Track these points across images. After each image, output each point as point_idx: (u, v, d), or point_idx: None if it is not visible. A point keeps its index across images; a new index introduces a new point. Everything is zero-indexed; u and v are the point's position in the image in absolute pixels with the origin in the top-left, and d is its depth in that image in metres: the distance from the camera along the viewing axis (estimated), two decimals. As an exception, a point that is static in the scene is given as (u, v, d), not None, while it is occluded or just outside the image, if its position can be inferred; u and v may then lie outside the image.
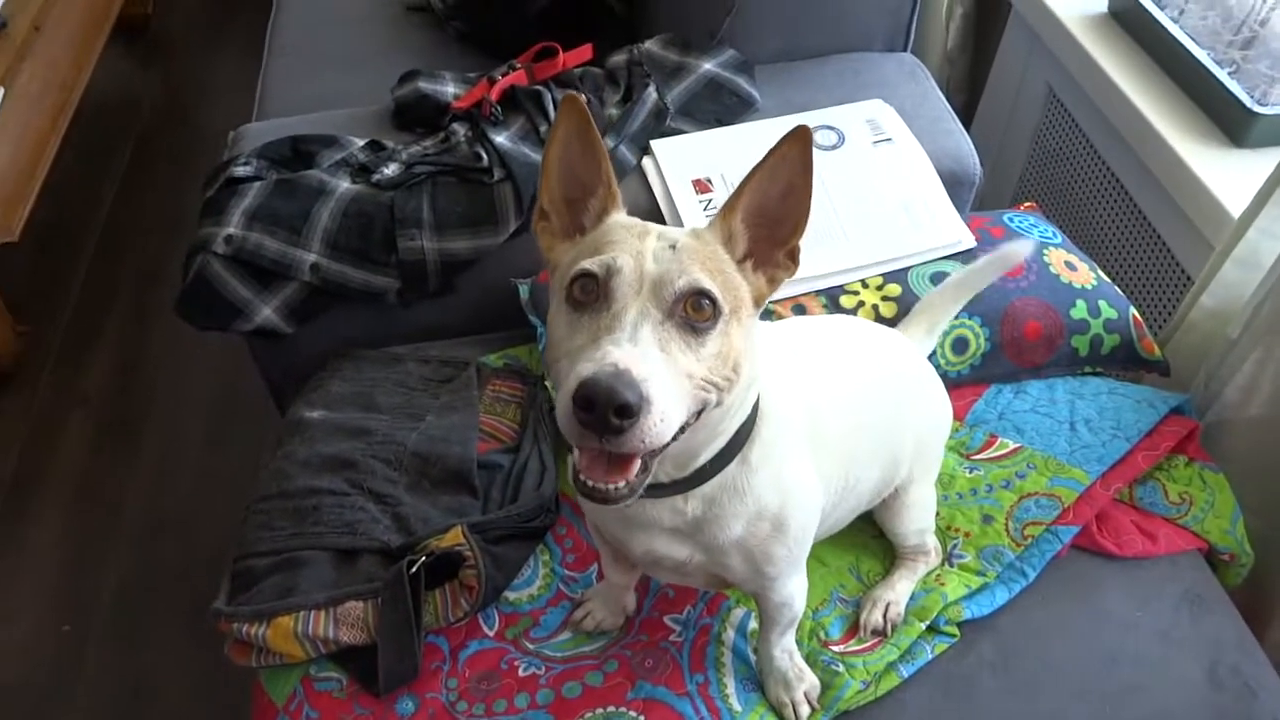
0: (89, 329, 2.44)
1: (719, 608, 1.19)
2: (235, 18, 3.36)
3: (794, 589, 1.05)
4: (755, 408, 0.91)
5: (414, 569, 1.15)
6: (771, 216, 0.84)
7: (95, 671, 1.81)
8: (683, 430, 0.78)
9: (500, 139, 1.53)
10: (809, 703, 1.12)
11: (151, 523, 2.04)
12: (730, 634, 1.17)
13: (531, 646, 1.18)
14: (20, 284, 2.45)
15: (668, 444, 0.75)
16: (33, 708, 1.77)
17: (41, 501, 2.09)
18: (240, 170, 1.53)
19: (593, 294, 0.78)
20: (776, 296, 1.41)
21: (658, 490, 0.89)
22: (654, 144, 1.57)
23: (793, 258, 0.86)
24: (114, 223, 2.71)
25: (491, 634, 1.19)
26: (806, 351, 1.07)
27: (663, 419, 0.72)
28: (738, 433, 0.89)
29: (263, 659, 1.17)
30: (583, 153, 0.85)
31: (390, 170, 1.52)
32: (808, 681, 1.12)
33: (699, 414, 0.80)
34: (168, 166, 2.87)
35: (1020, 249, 1.28)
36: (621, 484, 0.76)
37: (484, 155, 1.51)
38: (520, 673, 1.15)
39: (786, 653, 1.11)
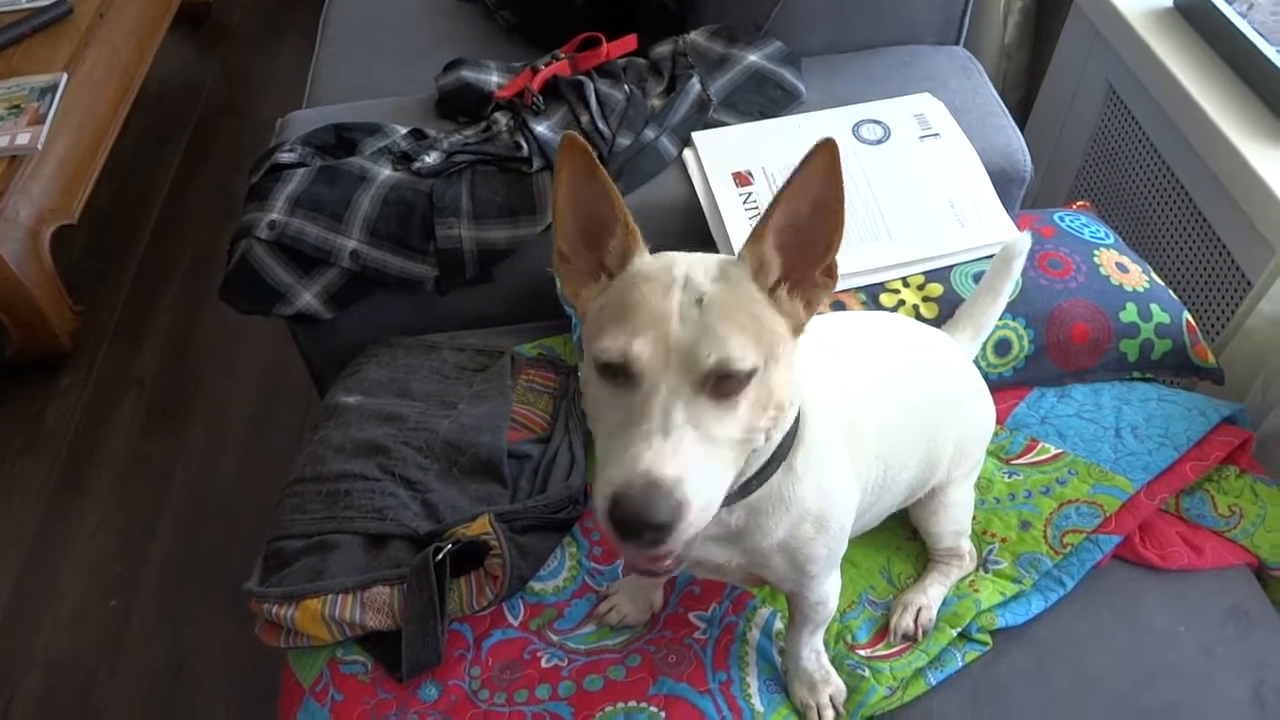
0: (143, 311, 2.49)
1: (745, 606, 1.18)
2: (293, 8, 3.41)
3: (830, 587, 1.03)
4: (797, 413, 0.89)
5: (440, 556, 1.15)
6: (804, 235, 0.78)
7: (139, 646, 1.85)
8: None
9: (541, 128, 1.53)
10: (834, 707, 1.10)
11: (198, 502, 2.08)
12: (755, 633, 1.15)
13: (555, 638, 1.18)
14: (78, 265, 2.52)
15: None
16: (78, 681, 1.82)
17: (93, 479, 2.14)
18: (285, 156, 1.55)
19: (621, 369, 0.75)
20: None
21: None
22: (695, 136, 1.55)
23: (830, 274, 0.81)
24: (170, 207, 2.77)
25: (516, 624, 1.19)
26: (844, 346, 1.05)
27: (702, 510, 0.72)
28: (781, 443, 0.87)
29: (291, 640, 1.19)
30: (592, 192, 0.80)
31: (431, 159, 1.52)
32: (834, 685, 1.10)
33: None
34: (224, 152, 2.93)
35: (1018, 240, 1.23)
36: (668, 562, 0.78)
37: (524, 145, 1.51)
38: (543, 663, 1.15)
39: (815, 653, 1.09)
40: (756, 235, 0.79)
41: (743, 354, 0.74)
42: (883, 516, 1.16)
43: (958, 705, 1.11)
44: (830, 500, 0.93)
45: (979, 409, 1.20)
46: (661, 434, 0.72)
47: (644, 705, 1.09)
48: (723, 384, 0.74)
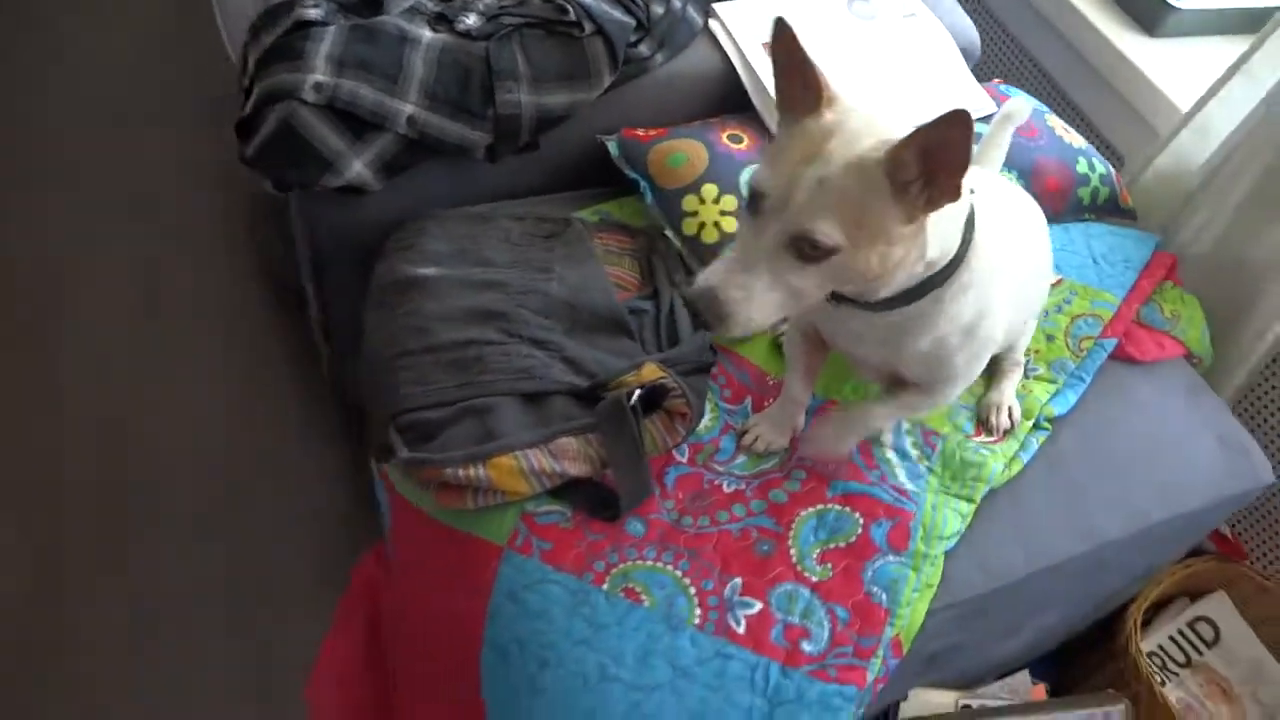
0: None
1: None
2: None
3: (950, 398, 1.22)
4: (967, 242, 1.03)
5: (633, 401, 1.21)
6: (939, 155, 0.90)
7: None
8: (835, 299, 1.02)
9: (580, -7, 1.53)
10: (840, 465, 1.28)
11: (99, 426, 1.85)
12: (888, 437, 1.34)
13: (721, 469, 1.29)
14: None
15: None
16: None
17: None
18: (311, 13, 1.41)
19: (750, 200, 0.95)
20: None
21: (852, 302, 1.04)
22: (716, 7, 1.63)
23: (955, 192, 0.92)
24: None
25: (685, 460, 1.28)
26: (1001, 201, 1.21)
27: (741, 325, 0.94)
28: (944, 269, 1.03)
29: (479, 500, 1.19)
30: (797, 68, 0.95)
31: (472, 20, 1.47)
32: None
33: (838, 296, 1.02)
34: None
35: (1022, 105, 1.47)
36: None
37: (569, 9, 1.50)
38: (725, 489, 1.26)
39: (881, 431, 1.32)
40: (905, 142, 0.90)
41: (826, 236, 0.91)
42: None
43: (1040, 475, 1.39)
44: (984, 316, 1.11)
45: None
46: (740, 266, 0.94)
47: (831, 505, 1.25)
48: (806, 251, 0.92)
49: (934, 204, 0.94)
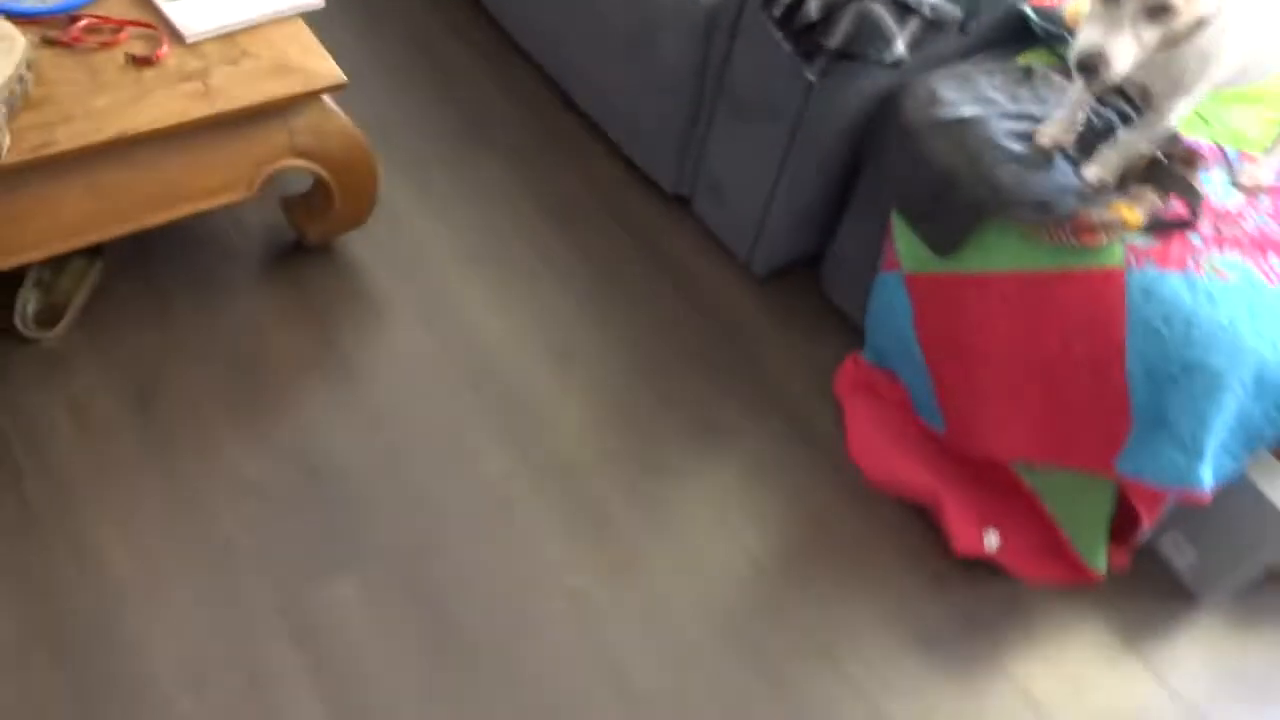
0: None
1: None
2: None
3: (1172, 109, 1.73)
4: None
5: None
6: None
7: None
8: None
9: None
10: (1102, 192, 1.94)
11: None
12: None
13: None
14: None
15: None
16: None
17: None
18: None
19: None
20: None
21: None
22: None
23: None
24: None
25: (1194, 195, 1.88)
26: None
27: (1115, 70, 1.47)
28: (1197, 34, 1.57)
29: (1109, 235, 1.75)
30: None
31: (946, -72, 2.00)
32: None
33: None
34: None
35: None
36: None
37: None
38: (1231, 207, 1.86)
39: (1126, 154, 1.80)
40: None
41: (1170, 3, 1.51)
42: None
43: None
44: (1213, 50, 1.64)
45: None
46: (1115, 29, 1.46)
47: None
48: (1155, 13, 1.49)
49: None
